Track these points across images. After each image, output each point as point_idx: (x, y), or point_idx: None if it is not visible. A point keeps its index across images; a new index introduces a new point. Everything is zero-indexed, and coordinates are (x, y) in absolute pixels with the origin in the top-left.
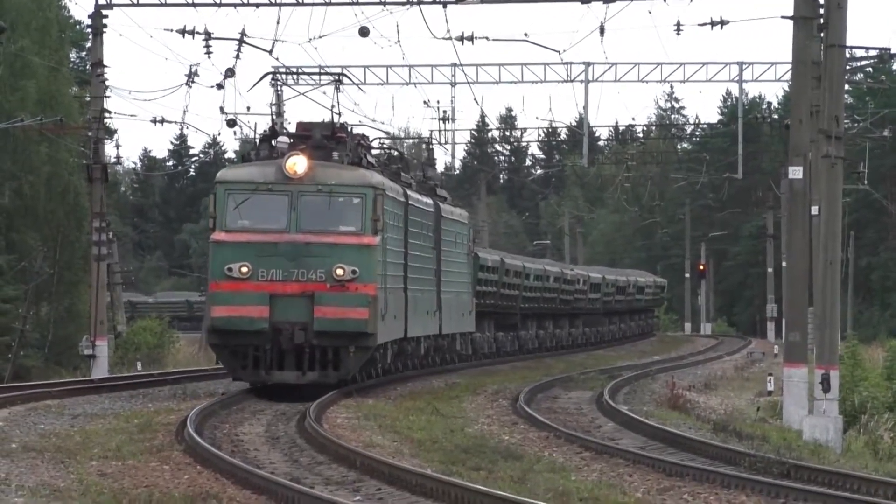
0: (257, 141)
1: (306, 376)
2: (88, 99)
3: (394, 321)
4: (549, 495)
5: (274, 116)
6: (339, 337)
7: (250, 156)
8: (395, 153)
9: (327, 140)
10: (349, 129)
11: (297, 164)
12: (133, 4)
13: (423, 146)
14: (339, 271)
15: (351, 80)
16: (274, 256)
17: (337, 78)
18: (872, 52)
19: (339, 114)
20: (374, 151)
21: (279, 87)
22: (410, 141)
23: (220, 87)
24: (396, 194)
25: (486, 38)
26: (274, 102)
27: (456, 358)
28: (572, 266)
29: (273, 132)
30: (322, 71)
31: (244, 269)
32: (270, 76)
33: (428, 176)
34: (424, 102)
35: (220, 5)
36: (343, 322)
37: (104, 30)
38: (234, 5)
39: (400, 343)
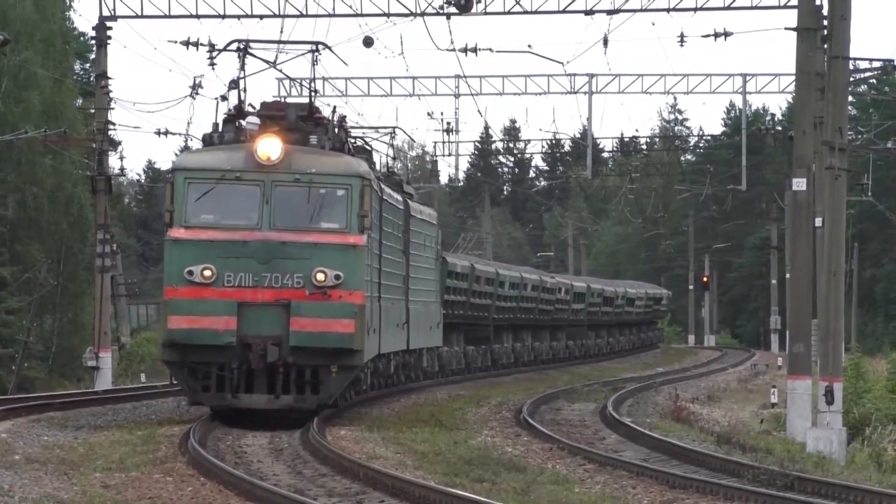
0: (220, 122)
1: (280, 400)
2: (93, 111)
3: (374, 335)
4: None
5: (240, 93)
6: (319, 354)
7: (213, 139)
8: (361, 143)
9: (304, 121)
10: (334, 109)
11: (271, 148)
12: (137, 16)
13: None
14: (321, 276)
15: (331, 50)
16: (243, 258)
17: (314, 48)
18: (876, 64)
19: (316, 91)
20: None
21: (243, 58)
22: (414, 153)
23: (224, 98)
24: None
25: (490, 50)
26: (240, 76)
27: (422, 375)
28: (553, 274)
29: (239, 111)
30: (296, 40)
31: (207, 273)
32: (236, 45)
33: (392, 169)
34: (428, 114)
35: (223, 17)
36: (325, 336)
37: (108, 41)
38: (238, 17)
39: (374, 360)
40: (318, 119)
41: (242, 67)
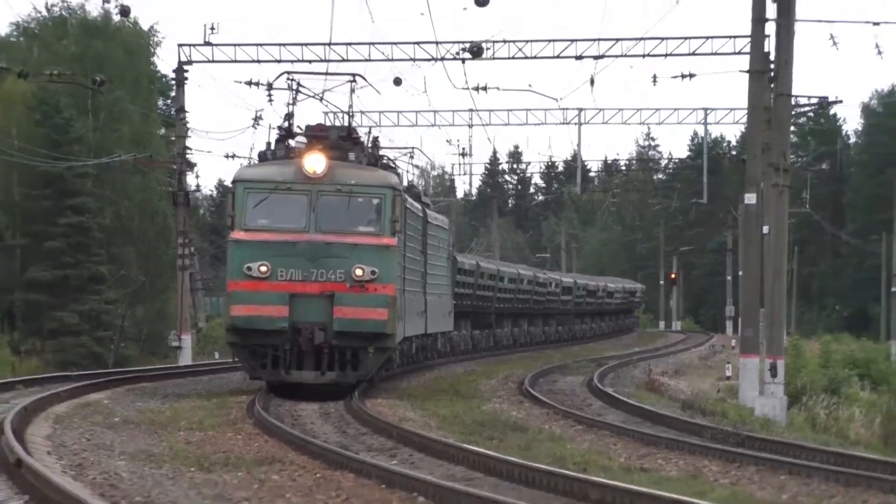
0: (273, 141)
1: (325, 376)
2: (173, 138)
3: (401, 322)
4: (548, 460)
5: (290, 117)
6: (358, 337)
7: (267, 156)
8: (387, 159)
9: (343, 140)
10: (369, 131)
11: (316, 163)
12: (208, 61)
13: (446, 177)
14: (359, 272)
15: (365, 80)
16: (293, 256)
17: (352, 78)
18: (814, 100)
19: (353, 115)
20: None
21: (294, 87)
22: (435, 172)
23: (280, 128)
24: None
25: (497, 89)
26: (290, 102)
27: (436, 355)
28: (545, 270)
29: (289, 132)
30: (337, 72)
31: (263, 269)
32: (287, 76)
33: (411, 183)
34: (447, 141)
35: (279, 62)
36: (363, 322)
37: (185, 82)
38: (291, 61)
39: (401, 343)
40: (355, 139)
41: (294, 99)
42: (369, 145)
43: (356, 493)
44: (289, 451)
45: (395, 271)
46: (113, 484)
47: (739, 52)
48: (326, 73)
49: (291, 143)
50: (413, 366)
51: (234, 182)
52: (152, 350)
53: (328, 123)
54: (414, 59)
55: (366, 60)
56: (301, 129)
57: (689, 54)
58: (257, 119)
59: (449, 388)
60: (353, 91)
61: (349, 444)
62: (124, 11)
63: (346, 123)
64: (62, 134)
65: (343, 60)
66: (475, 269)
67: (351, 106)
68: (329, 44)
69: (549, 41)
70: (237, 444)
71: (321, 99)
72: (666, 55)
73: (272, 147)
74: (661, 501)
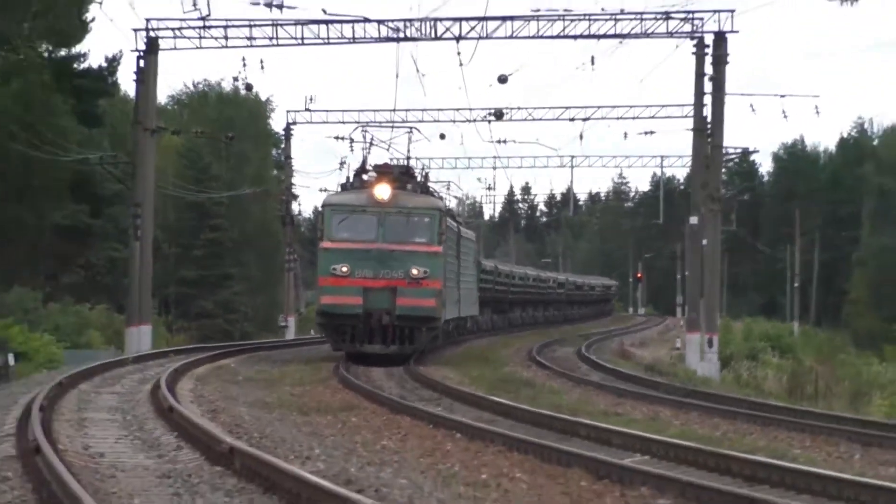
0: (351, 174)
1: (389, 348)
2: (282, 178)
3: (443, 308)
4: (549, 407)
5: (365, 159)
6: (414, 319)
7: (347, 186)
8: (433, 189)
9: (402, 175)
10: (423, 168)
11: (384, 192)
12: (308, 122)
13: (476, 205)
14: (414, 271)
15: (419, 131)
16: (367, 260)
17: (409, 131)
18: (738, 150)
19: (409, 158)
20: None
21: (368, 139)
22: (469, 201)
23: (357, 171)
24: None
25: (514, 141)
26: (366, 147)
27: (467, 333)
28: (544, 271)
29: (363, 169)
30: (399, 125)
31: (345, 269)
32: (361, 128)
33: (448, 207)
34: (478, 179)
35: (359, 123)
36: (417, 308)
37: (291, 136)
38: (368, 123)
39: (443, 324)
40: (411, 175)
41: (368, 146)
42: (421, 179)
43: (412, 431)
44: (363, 401)
45: (440, 271)
46: (238, 424)
47: (686, 116)
48: (392, 127)
49: (364, 177)
50: (451, 340)
51: (323, 206)
52: (266, 328)
53: (392, 163)
54: (454, 121)
55: (419, 121)
56: (371, 167)
57: (650, 117)
58: (342, 163)
59: (477, 356)
60: (410, 141)
61: (406, 396)
62: (248, 87)
63: (404, 164)
64: (203, 174)
65: (403, 121)
66: (495, 270)
67: (409, 151)
68: (394, 109)
69: (550, 108)
70: (326, 395)
71: (388, 147)
72: (634, 118)
73: (350, 180)
74: (630, 437)
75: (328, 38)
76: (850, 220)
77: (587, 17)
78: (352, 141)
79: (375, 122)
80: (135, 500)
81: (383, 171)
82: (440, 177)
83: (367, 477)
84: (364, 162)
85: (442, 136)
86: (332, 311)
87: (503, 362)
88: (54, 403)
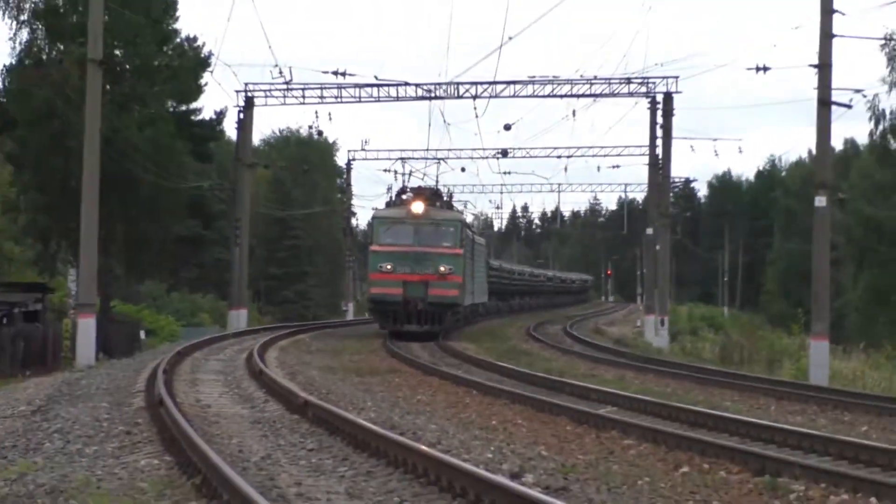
0: (394, 195)
1: (423, 327)
2: (344, 200)
3: (463, 296)
4: (542, 370)
5: (405, 182)
6: (442, 305)
7: (391, 203)
8: (455, 206)
9: (432, 196)
10: (449, 190)
11: (419, 208)
12: (364, 159)
13: (488, 220)
14: (442, 268)
15: (445, 162)
16: (406, 260)
17: (438, 163)
18: (682, 179)
19: (438, 183)
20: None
21: (407, 169)
22: (482, 217)
23: (398, 192)
24: None
25: (516, 173)
26: (405, 175)
27: (478, 315)
28: (538, 268)
29: (403, 191)
30: (431, 159)
31: (389, 267)
32: (402, 161)
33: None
34: (489, 200)
35: (402, 157)
36: (445, 297)
37: (351, 168)
38: (413, 158)
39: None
40: (439, 195)
41: (408, 176)
42: (446, 199)
43: (440, 388)
44: (404, 366)
45: (461, 268)
46: (310, 383)
47: (643, 154)
48: (425, 160)
49: (404, 196)
50: (468, 321)
51: (373, 218)
52: (332, 311)
53: (424, 187)
54: (472, 157)
55: (446, 158)
56: (409, 189)
57: (616, 155)
58: (388, 188)
59: (488, 333)
60: (438, 171)
61: (436, 362)
62: (319, 133)
63: (434, 187)
64: (285, 197)
65: (434, 158)
66: (499, 268)
67: (437, 179)
68: (427, 149)
69: (543, 148)
70: (376, 362)
71: (422, 176)
72: (604, 155)
73: (393, 199)
74: (604, 393)
75: (378, 97)
76: (766, 231)
77: (570, 82)
78: (396, 172)
79: (413, 158)
80: (233, 440)
81: (418, 192)
82: (461, 198)
83: (406, 423)
84: (404, 186)
85: (462, 169)
86: (380, 299)
87: (508, 337)
88: (174, 368)
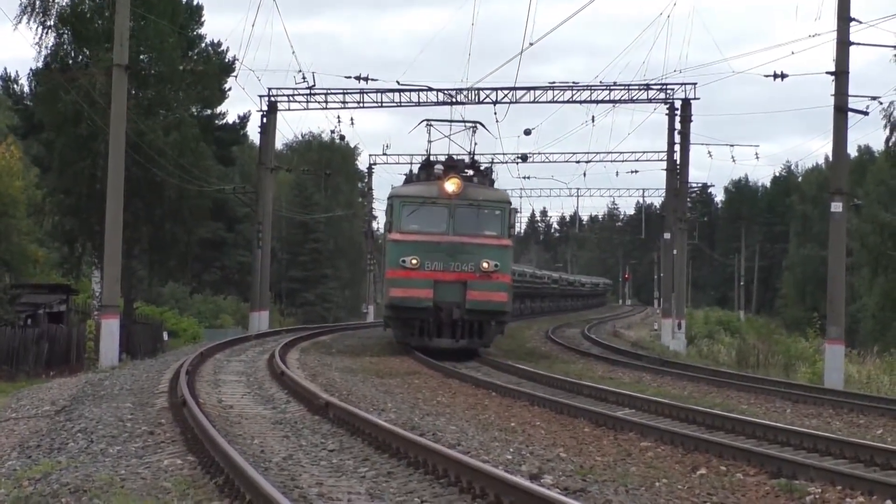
0: (417, 168)
1: (458, 342)
2: (365, 204)
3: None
4: (561, 372)
5: (429, 151)
6: (484, 314)
7: (411, 178)
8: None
9: (468, 169)
10: (491, 161)
11: (454, 184)
12: (385, 163)
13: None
14: (485, 265)
15: (485, 128)
16: (437, 252)
17: (474, 126)
18: (699, 184)
19: (473, 153)
20: None
21: (430, 131)
22: None
23: (422, 164)
24: None
25: (535, 177)
26: (430, 140)
27: None
28: (542, 269)
29: (429, 162)
30: (464, 120)
31: (414, 261)
32: (426, 123)
33: None
34: None
35: (429, 160)
36: (488, 303)
37: (373, 172)
38: (435, 160)
39: None
40: (477, 168)
41: (429, 140)
42: (487, 173)
43: (460, 390)
44: (423, 368)
45: (510, 264)
46: (331, 384)
47: (661, 159)
48: (451, 122)
49: (432, 170)
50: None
51: (391, 197)
52: (352, 314)
53: (455, 157)
54: (492, 162)
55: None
56: (435, 159)
57: (635, 160)
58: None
59: (507, 335)
60: (474, 133)
61: (455, 365)
62: (341, 137)
63: (471, 158)
64: (307, 200)
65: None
66: (521, 272)
67: (472, 147)
68: (448, 154)
69: (562, 153)
70: (396, 363)
71: (449, 138)
72: (623, 160)
73: (413, 172)
74: (621, 396)
75: (400, 102)
76: (781, 236)
77: (589, 88)
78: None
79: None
80: (255, 440)
81: (451, 164)
82: None
83: (426, 424)
84: (428, 156)
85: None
86: (401, 304)
87: (526, 340)
88: (196, 368)
